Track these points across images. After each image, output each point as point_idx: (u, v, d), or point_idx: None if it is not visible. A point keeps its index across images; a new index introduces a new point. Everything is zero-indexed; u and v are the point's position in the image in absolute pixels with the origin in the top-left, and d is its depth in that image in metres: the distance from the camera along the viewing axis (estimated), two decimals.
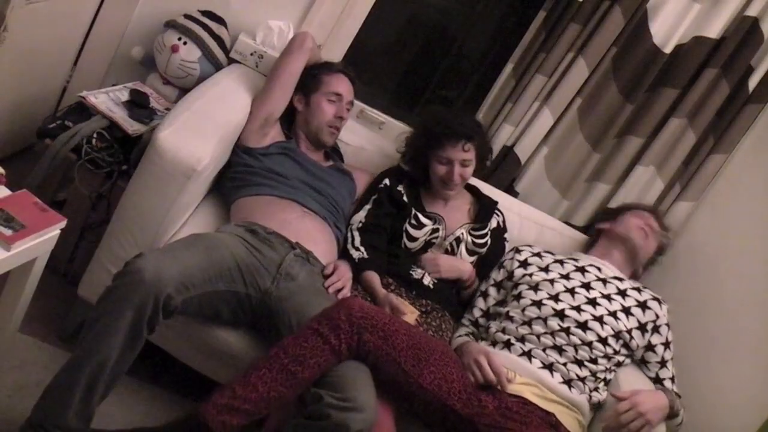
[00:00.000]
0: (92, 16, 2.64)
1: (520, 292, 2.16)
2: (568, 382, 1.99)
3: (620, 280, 2.23)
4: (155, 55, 2.60)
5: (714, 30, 2.48)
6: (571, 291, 2.13)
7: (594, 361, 2.03)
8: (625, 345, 2.10)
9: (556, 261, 2.25)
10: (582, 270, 2.21)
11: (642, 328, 2.14)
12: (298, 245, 2.07)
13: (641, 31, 2.51)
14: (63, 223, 1.74)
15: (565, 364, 2.01)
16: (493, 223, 2.43)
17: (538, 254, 2.28)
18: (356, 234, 2.27)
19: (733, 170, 2.58)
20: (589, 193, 2.68)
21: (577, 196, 2.71)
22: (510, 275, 2.25)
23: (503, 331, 2.10)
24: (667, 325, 2.20)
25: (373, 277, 2.17)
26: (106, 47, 2.78)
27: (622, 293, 2.17)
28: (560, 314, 2.07)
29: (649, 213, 2.43)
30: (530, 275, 2.19)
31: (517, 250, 2.32)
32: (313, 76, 2.36)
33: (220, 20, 2.65)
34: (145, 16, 2.74)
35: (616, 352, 2.07)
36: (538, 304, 2.10)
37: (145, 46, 2.69)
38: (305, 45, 2.32)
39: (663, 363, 2.17)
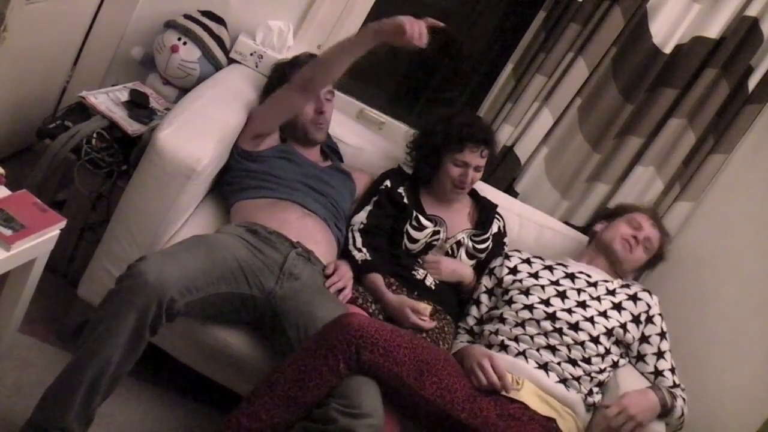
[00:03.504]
0: (92, 16, 2.63)
1: (511, 297, 2.17)
2: (563, 381, 2.00)
3: (608, 281, 2.23)
4: (155, 55, 2.60)
5: (714, 30, 2.48)
6: (562, 295, 2.14)
7: (587, 360, 2.03)
8: (619, 342, 2.10)
9: (545, 267, 2.26)
10: (572, 277, 2.22)
11: (636, 319, 2.15)
12: (299, 244, 2.07)
13: (641, 31, 2.51)
14: (63, 224, 1.74)
15: (559, 363, 2.02)
16: (494, 228, 2.42)
17: (527, 260, 2.29)
18: (357, 235, 2.26)
19: (733, 170, 2.58)
20: (589, 193, 2.68)
21: (577, 196, 2.71)
22: (500, 282, 2.26)
23: (497, 333, 2.11)
24: (660, 315, 2.19)
25: (377, 279, 2.17)
26: (106, 47, 2.77)
27: (611, 292, 2.19)
28: (552, 316, 2.08)
29: (647, 216, 2.35)
30: (520, 281, 2.20)
31: (507, 257, 2.31)
32: (283, 79, 2.27)
33: (219, 20, 2.64)
34: (145, 16, 2.73)
35: (609, 351, 2.07)
36: (529, 307, 2.12)
37: (145, 46, 2.69)
38: (313, 91, 2.19)
39: (660, 354, 2.15)
